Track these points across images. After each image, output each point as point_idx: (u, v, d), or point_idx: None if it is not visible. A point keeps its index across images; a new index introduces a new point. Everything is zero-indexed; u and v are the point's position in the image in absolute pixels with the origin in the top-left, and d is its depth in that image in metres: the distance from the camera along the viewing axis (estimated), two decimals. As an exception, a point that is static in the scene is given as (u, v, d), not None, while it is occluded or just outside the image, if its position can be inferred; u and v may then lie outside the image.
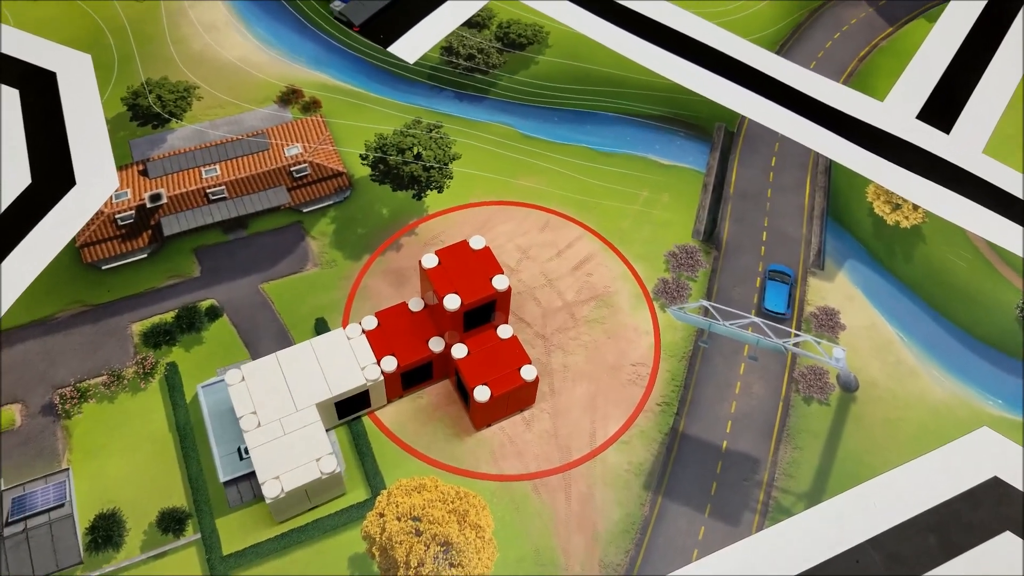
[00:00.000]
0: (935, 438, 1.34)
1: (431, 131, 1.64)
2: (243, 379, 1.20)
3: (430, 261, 1.22)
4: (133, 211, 1.48)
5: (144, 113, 1.62)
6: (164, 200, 1.50)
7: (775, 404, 1.36)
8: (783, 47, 1.82)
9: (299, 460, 1.14)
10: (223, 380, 1.26)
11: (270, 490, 1.12)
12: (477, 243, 1.25)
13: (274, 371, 1.21)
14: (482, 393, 1.21)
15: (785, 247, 1.53)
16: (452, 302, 1.18)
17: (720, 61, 1.78)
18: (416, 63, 1.74)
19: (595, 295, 1.45)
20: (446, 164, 1.60)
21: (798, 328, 1.43)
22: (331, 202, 1.53)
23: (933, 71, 1.80)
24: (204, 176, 1.53)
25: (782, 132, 1.68)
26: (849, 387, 1.38)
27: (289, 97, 1.66)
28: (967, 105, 1.75)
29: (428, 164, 1.59)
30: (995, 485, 1.30)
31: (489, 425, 1.29)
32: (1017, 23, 1.88)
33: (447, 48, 1.76)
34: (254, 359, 1.33)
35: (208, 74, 1.69)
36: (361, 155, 1.60)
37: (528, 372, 1.24)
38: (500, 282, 1.21)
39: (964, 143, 1.68)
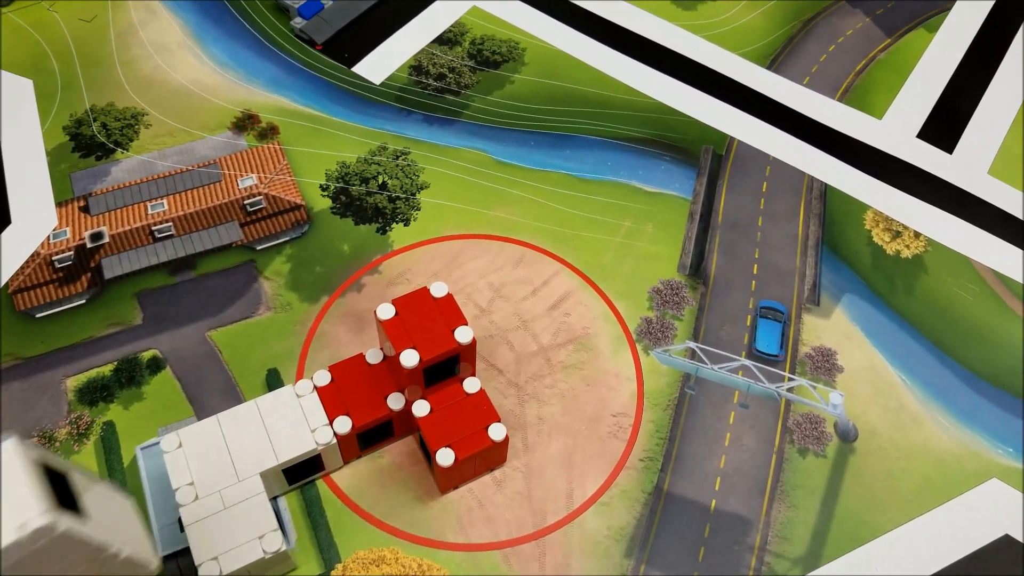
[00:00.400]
0: (941, 492, 1.23)
1: (398, 158, 1.53)
2: (180, 445, 1.09)
3: (386, 312, 1.11)
4: (72, 252, 1.37)
5: (87, 143, 1.51)
6: (106, 239, 1.39)
7: (767, 457, 1.25)
8: (774, 62, 1.71)
9: (240, 538, 1.03)
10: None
11: (207, 572, 1.01)
12: (439, 290, 1.14)
13: (215, 436, 1.10)
14: (445, 457, 1.10)
15: (777, 281, 1.43)
16: (410, 359, 1.07)
17: (707, 78, 1.67)
18: (383, 84, 1.63)
19: (573, 337, 1.34)
20: (413, 194, 1.49)
21: (792, 371, 1.33)
22: (287, 238, 1.42)
23: (934, 85, 1.69)
24: (150, 212, 1.42)
25: (774, 154, 1.58)
26: (847, 437, 1.27)
27: (245, 123, 1.55)
28: (970, 122, 1.64)
29: (394, 195, 1.48)
30: (1006, 544, 1.20)
31: (456, 487, 1.19)
32: (1021, 32, 1.77)
33: (416, 67, 1.65)
34: (199, 417, 1.22)
35: (158, 99, 1.58)
36: (321, 186, 1.49)
37: (497, 431, 1.13)
38: (463, 334, 1.10)
39: (968, 163, 1.58)
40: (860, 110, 1.65)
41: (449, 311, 1.12)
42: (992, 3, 1.82)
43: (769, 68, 1.70)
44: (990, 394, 1.32)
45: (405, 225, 1.45)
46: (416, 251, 1.42)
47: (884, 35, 1.78)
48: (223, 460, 1.08)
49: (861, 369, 1.33)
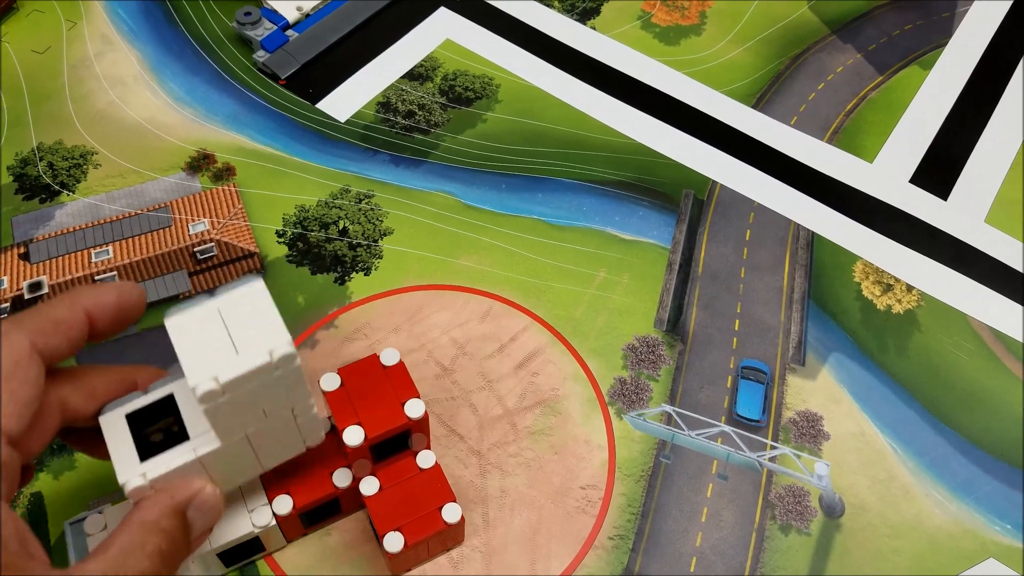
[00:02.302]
0: (934, 574, 1.14)
1: (361, 201, 1.45)
2: (106, 527, 1.00)
3: (330, 383, 1.02)
4: (9, 304, 1.29)
5: (32, 184, 1.43)
6: (45, 290, 1.30)
7: (747, 535, 1.16)
8: (760, 100, 1.63)
9: (165, 635, 0.94)
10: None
11: (126, 676, 0.91)
12: (390, 358, 1.05)
13: (142, 518, 1.01)
14: (394, 542, 1.01)
15: (760, 338, 1.34)
16: (354, 436, 0.98)
17: (688, 117, 1.59)
18: (348, 121, 1.55)
19: (541, 400, 1.26)
20: (376, 241, 1.41)
21: (775, 438, 1.24)
22: (240, 289, 1.33)
23: (928, 127, 1.62)
24: (94, 260, 1.34)
25: (758, 200, 1.49)
26: (833, 511, 1.19)
27: (199, 163, 1.47)
28: (966, 166, 1.56)
29: (355, 241, 1.40)
30: (1005, 633, 1.11)
31: (409, 570, 1.10)
32: (1019, 72, 1.70)
33: (384, 104, 1.57)
34: (133, 489, 1.13)
35: (109, 137, 1.49)
36: (278, 232, 1.40)
37: (451, 513, 1.04)
38: (414, 409, 1.01)
39: (964, 211, 1.50)
40: (850, 152, 1.57)
41: (400, 381, 1.04)
42: (988, 40, 1.75)
43: (755, 107, 1.62)
44: (987, 465, 1.23)
45: (365, 275, 1.36)
46: (376, 303, 1.34)
47: (876, 72, 1.70)
48: (150, 545, 0.99)
49: (849, 436, 1.25)
